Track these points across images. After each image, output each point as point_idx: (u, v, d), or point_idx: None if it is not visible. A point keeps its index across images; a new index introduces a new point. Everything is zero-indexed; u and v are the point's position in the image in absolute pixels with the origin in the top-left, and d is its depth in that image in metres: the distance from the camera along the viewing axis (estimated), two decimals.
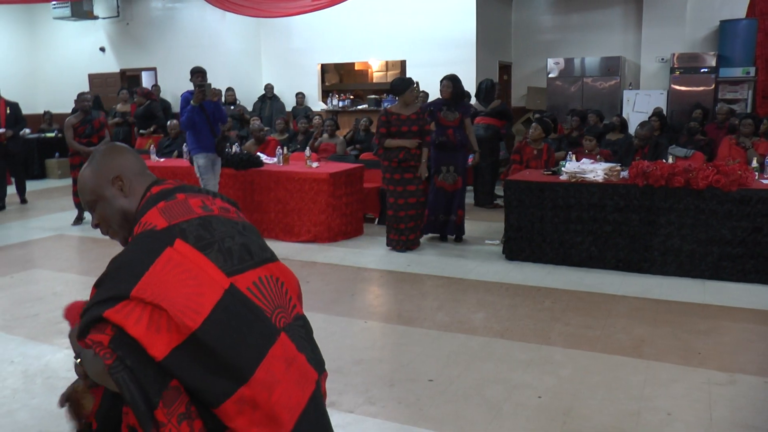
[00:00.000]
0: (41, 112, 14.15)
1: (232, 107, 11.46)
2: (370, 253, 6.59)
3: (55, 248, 7.34)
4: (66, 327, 4.87)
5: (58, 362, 4.11)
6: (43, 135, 13.36)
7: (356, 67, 13.41)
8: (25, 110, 13.61)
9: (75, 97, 9.02)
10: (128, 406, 1.49)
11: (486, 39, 11.58)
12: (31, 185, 11.99)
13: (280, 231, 7.18)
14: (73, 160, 8.38)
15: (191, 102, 6.71)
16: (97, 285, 1.58)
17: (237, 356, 1.52)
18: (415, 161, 6.39)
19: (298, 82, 12.49)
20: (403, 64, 12.13)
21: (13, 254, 7.08)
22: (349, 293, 5.40)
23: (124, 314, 1.47)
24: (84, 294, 5.43)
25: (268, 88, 12.25)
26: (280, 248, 6.73)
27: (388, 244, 6.67)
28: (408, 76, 11.70)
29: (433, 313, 4.82)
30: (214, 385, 1.50)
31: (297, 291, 1.79)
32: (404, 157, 6.33)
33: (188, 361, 1.48)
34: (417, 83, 6.79)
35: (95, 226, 1.85)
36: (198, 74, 6.88)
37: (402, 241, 6.54)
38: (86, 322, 1.53)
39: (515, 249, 6.10)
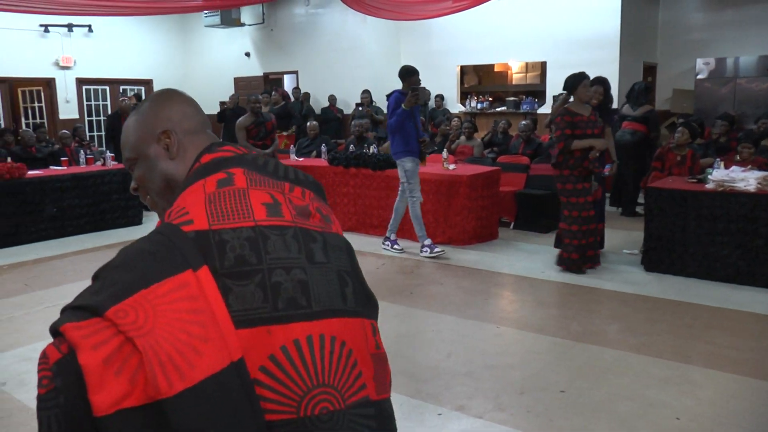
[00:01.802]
0: None
1: (360, 108, 11.77)
2: (505, 257, 6.56)
3: None
4: None
5: None
6: None
7: (495, 69, 13.31)
8: None
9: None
10: None
11: (630, 39, 11.15)
12: None
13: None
14: None
15: (403, 105, 6.42)
16: (94, 277, 1.13)
17: None
18: (592, 168, 5.80)
19: (438, 84, 12.57)
20: (543, 65, 11.93)
21: None
22: (483, 297, 5.41)
23: (84, 333, 1.01)
24: None
25: (427, 94, 12.35)
26: (415, 249, 6.85)
27: (561, 264, 6.00)
28: (556, 76, 11.55)
29: (566, 322, 4.74)
30: None
31: (373, 366, 1.21)
32: (588, 166, 5.73)
33: None
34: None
35: (134, 190, 1.43)
36: (414, 75, 6.55)
37: (582, 259, 5.90)
38: (52, 328, 1.08)
39: (655, 260, 5.87)
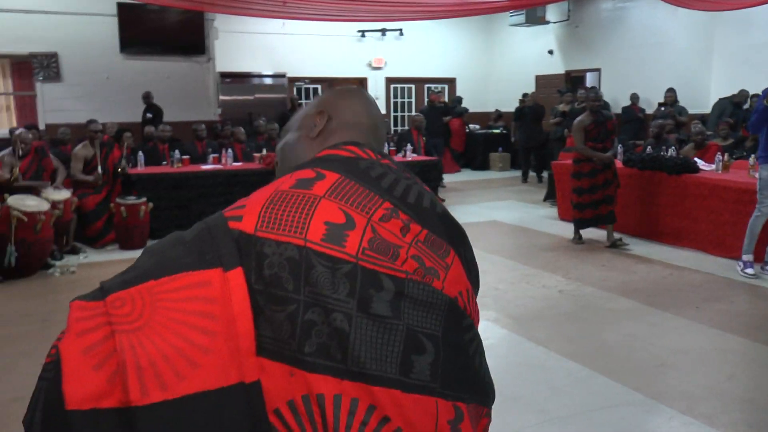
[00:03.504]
0: (491, 110, 15.63)
1: (662, 108, 11.08)
2: None
3: (488, 232, 8.12)
4: (488, 301, 5.44)
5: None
6: (489, 131, 14.81)
7: None
8: (477, 108, 15.42)
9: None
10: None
11: None
12: (474, 175, 13.47)
13: (709, 244, 6.78)
14: (581, 167, 7.16)
15: (765, 102, 5.81)
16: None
17: None
18: None
19: (757, 82, 11.37)
20: None
21: None
22: None
23: (78, 316, 0.92)
24: (508, 276, 5.90)
25: (743, 95, 11.24)
26: (707, 262, 6.40)
27: None
28: None
29: None
30: None
31: None
32: None
33: None
34: None
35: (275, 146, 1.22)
36: None
37: None
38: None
39: None
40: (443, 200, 10.13)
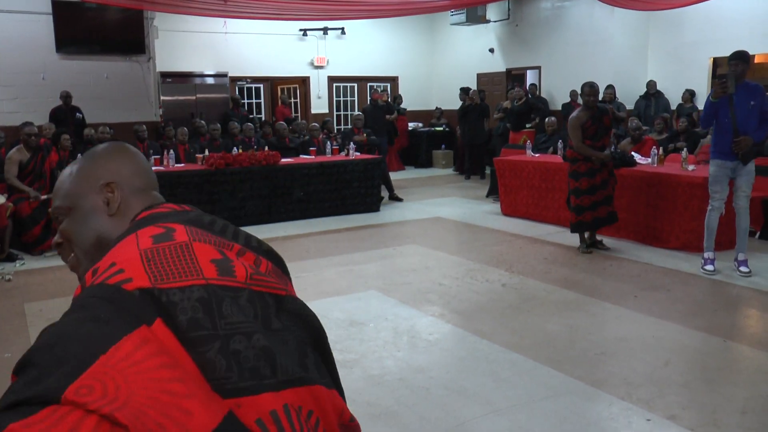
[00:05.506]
0: (433, 108, 15.75)
1: (606, 105, 11.41)
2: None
3: (432, 229, 8.21)
4: (433, 297, 5.38)
5: (423, 326, 4.70)
6: (432, 129, 14.94)
7: (755, 61, 12.12)
8: (420, 106, 15.51)
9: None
10: None
11: None
12: (418, 172, 13.56)
13: (647, 235, 6.99)
14: (578, 167, 6.72)
15: (710, 97, 5.67)
16: (16, 372, 0.88)
17: None
18: None
19: (687, 78, 11.78)
20: None
21: (396, 230, 8.18)
22: (712, 308, 5.07)
23: (45, 426, 0.79)
24: (452, 271, 5.96)
25: (651, 84, 11.78)
26: (645, 252, 6.59)
27: None
28: None
29: None
30: None
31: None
32: None
33: None
34: None
35: (56, 245, 1.23)
36: (735, 62, 5.64)
37: None
38: None
39: None
40: (401, 199, 10.33)
